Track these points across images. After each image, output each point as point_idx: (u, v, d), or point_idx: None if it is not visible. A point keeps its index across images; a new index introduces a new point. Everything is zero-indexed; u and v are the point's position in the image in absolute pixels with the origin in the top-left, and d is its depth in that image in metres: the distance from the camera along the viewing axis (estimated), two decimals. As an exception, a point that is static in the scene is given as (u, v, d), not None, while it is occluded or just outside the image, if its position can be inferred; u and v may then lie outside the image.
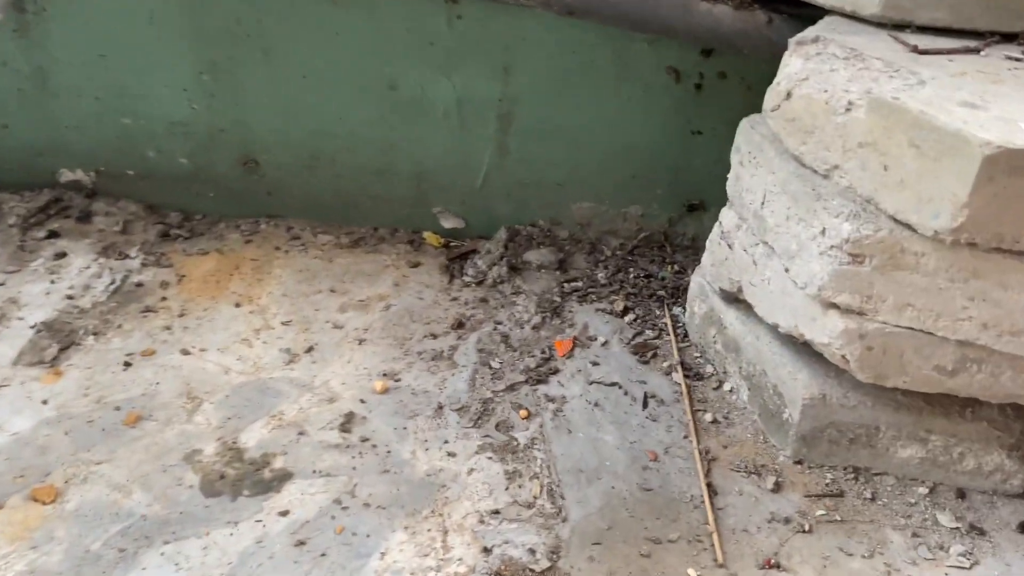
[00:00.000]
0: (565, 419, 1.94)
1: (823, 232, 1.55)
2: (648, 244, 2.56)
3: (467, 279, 2.42)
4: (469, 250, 2.53)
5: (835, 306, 1.58)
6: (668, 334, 2.22)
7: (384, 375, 2.04)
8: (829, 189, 1.57)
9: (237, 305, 2.26)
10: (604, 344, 2.19)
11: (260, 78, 2.33)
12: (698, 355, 2.15)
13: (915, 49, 1.60)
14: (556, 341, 2.19)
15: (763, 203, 1.77)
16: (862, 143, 1.49)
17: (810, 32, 1.68)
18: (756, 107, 2.22)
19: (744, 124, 1.89)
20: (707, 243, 2.05)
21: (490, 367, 2.09)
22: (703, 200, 2.46)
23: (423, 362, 2.10)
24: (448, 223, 2.58)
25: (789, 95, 1.64)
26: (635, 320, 2.27)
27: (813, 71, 1.61)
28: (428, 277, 2.44)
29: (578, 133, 2.37)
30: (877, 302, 1.53)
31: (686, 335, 2.22)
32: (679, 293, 2.36)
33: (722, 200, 2.43)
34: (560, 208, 2.54)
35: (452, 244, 2.59)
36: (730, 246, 1.92)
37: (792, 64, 1.66)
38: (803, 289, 1.62)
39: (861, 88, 1.50)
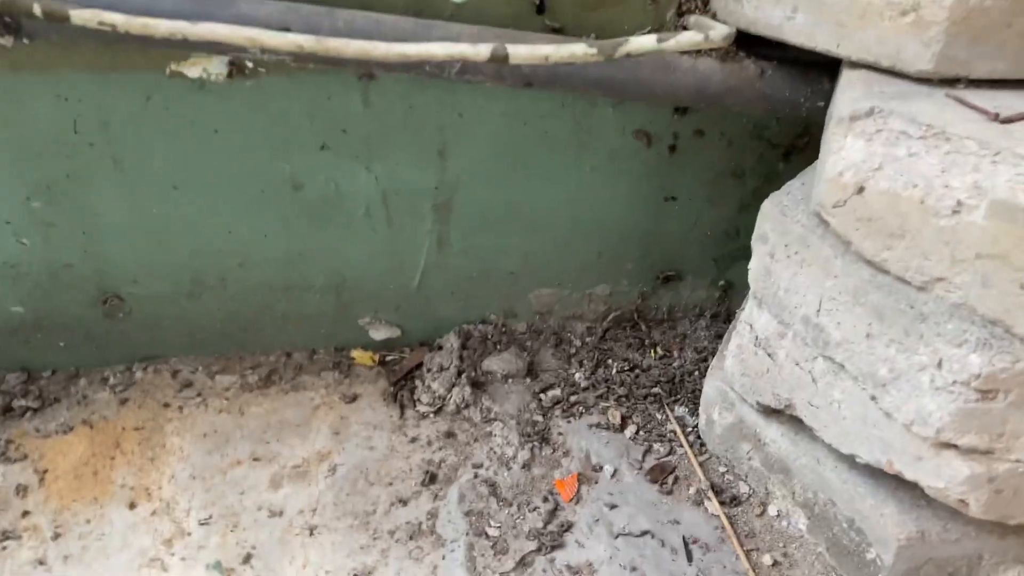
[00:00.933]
0: (604, 600, 1.54)
1: (939, 365, 1.23)
2: (619, 325, 2.19)
3: (422, 408, 1.95)
4: (413, 365, 2.06)
5: (953, 446, 1.27)
6: (681, 445, 1.87)
7: (360, 583, 1.56)
8: (934, 307, 1.25)
9: (131, 506, 1.69)
10: (614, 475, 1.80)
11: (113, 195, 1.74)
12: (724, 470, 1.82)
13: (996, 118, 1.30)
14: (557, 481, 1.78)
15: (819, 311, 1.43)
16: (982, 254, 1.17)
17: (862, 103, 1.35)
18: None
19: (770, 209, 1.54)
20: (732, 347, 1.70)
21: (487, 536, 1.66)
22: (678, 270, 2.12)
23: (400, 546, 1.63)
24: (379, 334, 2.10)
25: (861, 190, 1.30)
26: (638, 433, 1.90)
27: (886, 157, 1.28)
28: (373, 413, 1.95)
29: (533, 215, 1.95)
30: (1010, 440, 1.24)
31: (700, 443, 1.88)
32: (675, 386, 2.01)
33: (699, 267, 2.10)
34: (514, 299, 2.12)
35: (388, 359, 2.11)
36: (770, 355, 1.58)
37: (853, 148, 1.32)
38: (909, 427, 1.30)
39: (966, 182, 1.19)
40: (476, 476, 1.79)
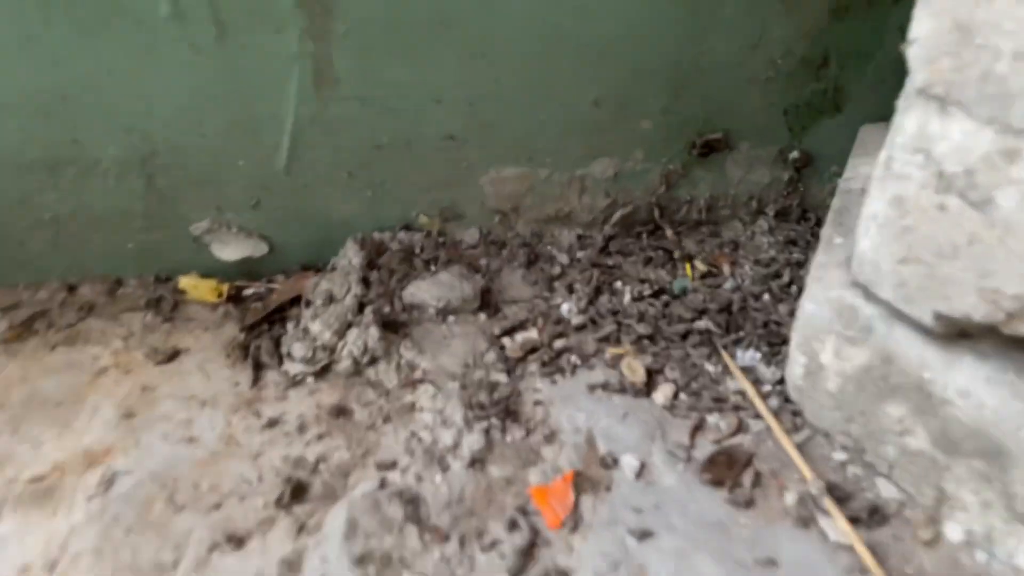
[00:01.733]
0: None
1: None
2: (630, 230, 1.35)
3: (293, 367, 1.10)
4: (285, 301, 1.21)
5: None
6: (756, 415, 1.04)
7: None
8: None
9: None
10: (640, 473, 0.96)
11: None
12: (844, 458, 0.98)
13: None
14: (533, 489, 0.94)
15: None
16: None
17: None
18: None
19: None
20: (873, 215, 0.87)
21: (397, 606, 0.81)
22: (726, 131, 1.28)
23: (218, 635, 0.78)
24: (230, 250, 1.25)
25: None
26: (677, 397, 1.07)
27: None
28: (202, 380, 1.10)
29: (481, 26, 1.11)
30: None
31: (792, 411, 1.04)
32: (734, 319, 1.18)
33: (760, 125, 1.27)
34: (458, 186, 1.27)
35: (247, 292, 1.25)
36: (980, 206, 0.75)
37: None
38: None
39: None
40: (383, 486, 0.95)
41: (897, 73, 1.30)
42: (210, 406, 1.06)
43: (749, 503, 0.93)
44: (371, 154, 1.21)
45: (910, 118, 0.81)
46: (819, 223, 1.36)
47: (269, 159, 1.18)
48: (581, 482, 0.95)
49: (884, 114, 1.33)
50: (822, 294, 0.94)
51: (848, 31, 1.20)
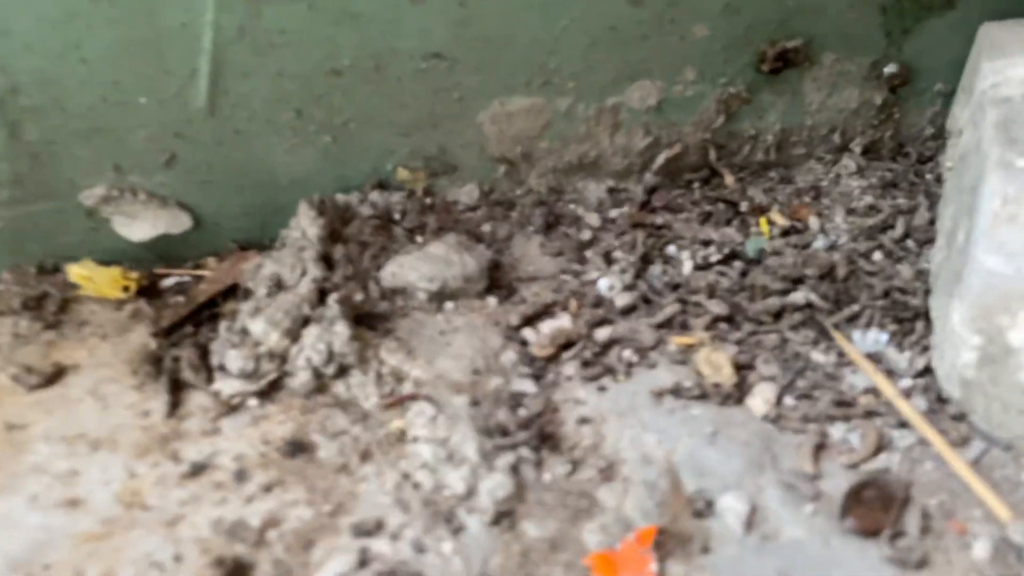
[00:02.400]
0: None
1: None
2: (676, 178, 1.02)
3: (228, 387, 0.76)
4: (216, 291, 0.87)
5: None
6: (905, 423, 0.72)
7: None
8: None
9: None
10: (750, 521, 0.64)
11: None
12: (1044, 481, 0.67)
13: None
14: (590, 558, 0.61)
15: None
16: None
17: None
18: None
19: None
20: None
21: None
22: (808, 36, 0.96)
23: None
24: (138, 227, 0.91)
25: None
26: (780, 402, 0.74)
27: None
28: (96, 411, 0.76)
29: None
30: None
31: (953, 413, 0.72)
32: (840, 288, 0.85)
33: (849, 28, 0.94)
34: (449, 127, 0.94)
35: (166, 282, 0.92)
36: None
37: None
38: None
39: None
40: (364, 563, 0.62)
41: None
42: (106, 448, 0.72)
43: (922, 563, 0.62)
44: (327, 82, 0.87)
45: None
46: (921, 160, 1.04)
47: (183, 93, 0.84)
48: (664, 541, 0.63)
49: (1008, 9, 1.02)
50: (1020, 241, 0.62)
51: None
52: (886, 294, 0.83)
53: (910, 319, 0.81)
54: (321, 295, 0.81)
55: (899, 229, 0.91)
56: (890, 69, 1.00)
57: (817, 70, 0.99)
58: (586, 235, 0.95)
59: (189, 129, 0.87)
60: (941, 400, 0.73)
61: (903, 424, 0.72)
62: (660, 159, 1.00)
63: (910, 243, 0.90)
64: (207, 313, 0.85)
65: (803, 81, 0.99)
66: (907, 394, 0.74)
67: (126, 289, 0.88)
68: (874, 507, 0.65)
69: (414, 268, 0.85)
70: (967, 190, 0.78)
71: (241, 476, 0.70)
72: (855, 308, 0.82)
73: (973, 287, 0.67)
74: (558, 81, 0.93)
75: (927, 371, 0.76)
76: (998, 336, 0.66)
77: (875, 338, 0.80)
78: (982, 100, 0.81)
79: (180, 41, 0.81)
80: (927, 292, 0.83)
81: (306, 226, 0.87)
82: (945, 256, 0.80)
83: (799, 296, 0.83)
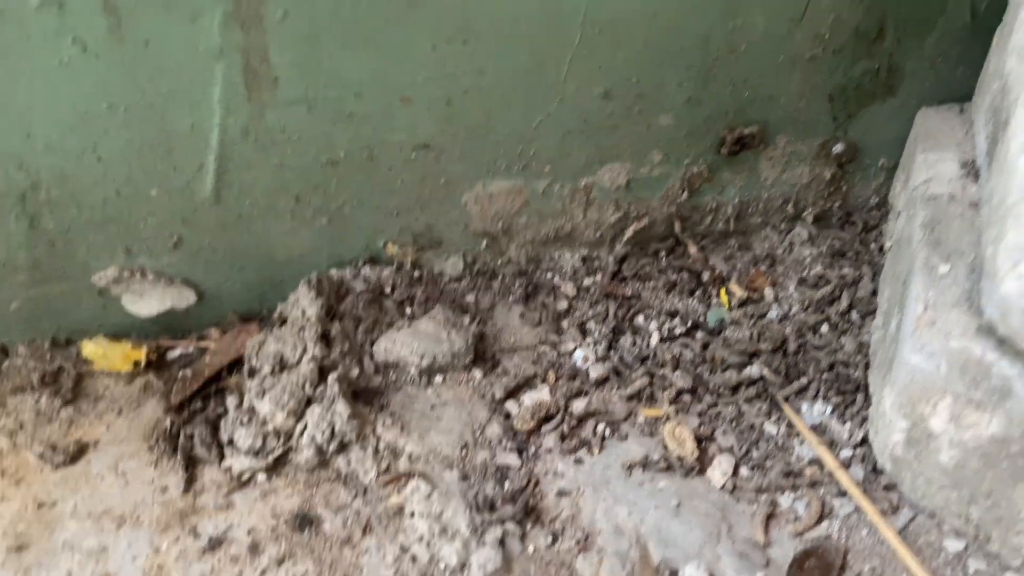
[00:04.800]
0: None
1: None
2: (645, 248, 1.11)
3: (238, 464, 0.84)
4: (222, 366, 0.94)
5: None
6: (843, 493, 0.82)
7: None
8: None
9: None
10: (711, 592, 0.74)
11: None
12: (957, 544, 0.77)
13: None
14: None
15: None
16: None
17: None
18: None
19: None
20: (1011, 244, 0.64)
21: None
22: (762, 123, 1.05)
23: None
24: (147, 303, 0.97)
25: None
26: (737, 471, 0.84)
27: None
28: (118, 487, 0.83)
29: (459, 12, 0.85)
30: None
31: (884, 484, 0.82)
32: (789, 361, 0.95)
33: (800, 115, 1.05)
34: (436, 206, 1.02)
35: (172, 354, 0.99)
36: None
37: None
38: None
39: None
40: (369, 633, 0.70)
41: (960, 45, 1.09)
42: (130, 524, 0.80)
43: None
44: (324, 172, 0.94)
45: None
46: (867, 228, 1.14)
47: (190, 185, 0.91)
48: (634, 609, 0.72)
49: (944, 96, 1.12)
50: (937, 344, 0.72)
51: (908, -3, 0.98)
52: (831, 367, 0.93)
53: (851, 391, 0.91)
54: (321, 372, 0.89)
55: (844, 301, 1.01)
56: (838, 148, 1.10)
57: (771, 150, 1.08)
58: (562, 304, 1.04)
59: (195, 216, 0.93)
60: (876, 471, 0.83)
61: (843, 493, 0.82)
62: (629, 231, 1.09)
63: (854, 315, 1.00)
64: (213, 387, 0.93)
65: (759, 160, 1.09)
66: (847, 464, 0.84)
67: (136, 363, 0.95)
68: (814, 574, 0.74)
69: (405, 344, 0.93)
70: (900, 279, 0.88)
71: (255, 549, 0.78)
72: (803, 381, 0.92)
73: (900, 379, 0.76)
74: (536, 165, 1.01)
75: (865, 441, 0.86)
76: (921, 422, 0.76)
77: (820, 409, 0.89)
78: (914, 195, 0.91)
79: (189, 141, 0.88)
80: (867, 365, 0.93)
81: (305, 306, 0.94)
82: (881, 337, 0.90)
83: (754, 370, 0.93)
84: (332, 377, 0.87)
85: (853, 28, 0.99)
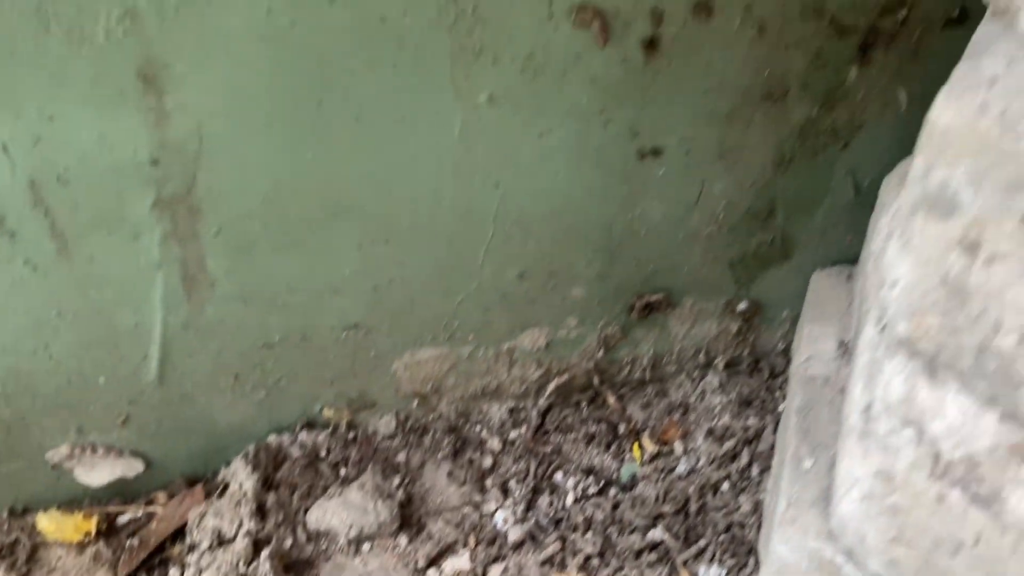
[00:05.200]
0: None
1: None
2: (568, 399, 1.20)
3: (177, 637, 0.91)
4: (169, 533, 1.02)
5: None
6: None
7: None
8: None
9: None
10: None
11: None
12: None
13: None
14: None
15: None
16: None
17: None
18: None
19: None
20: (866, 477, 0.73)
21: None
22: (668, 290, 1.15)
23: None
24: (97, 474, 1.05)
25: None
26: (635, 642, 0.92)
27: None
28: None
29: (379, 205, 0.95)
30: None
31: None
32: (692, 521, 1.03)
33: (704, 280, 1.15)
34: (367, 374, 1.10)
35: (121, 520, 1.06)
36: (986, 504, 0.62)
37: None
38: None
39: None
40: None
41: (847, 216, 1.19)
42: None
43: None
44: (261, 353, 1.03)
45: (895, 376, 0.67)
46: (772, 375, 1.23)
47: (136, 373, 0.99)
48: None
49: (836, 258, 1.22)
50: (798, 540, 0.81)
51: (793, 180, 1.08)
52: (728, 528, 1.02)
53: (744, 553, 0.99)
54: (256, 546, 0.97)
55: (745, 457, 1.10)
56: (742, 306, 1.20)
57: (679, 311, 1.18)
58: (487, 461, 1.12)
59: (142, 397, 1.02)
60: (761, 638, 0.91)
61: (729, 661, 0.90)
62: (551, 385, 1.18)
63: (754, 470, 1.09)
64: (158, 559, 1.00)
65: (669, 319, 1.18)
66: (736, 630, 0.92)
67: (86, 534, 1.02)
68: None
69: (336, 514, 1.01)
70: (782, 451, 0.96)
71: None
72: (701, 544, 1.00)
73: (772, 563, 0.85)
74: (460, 335, 1.10)
75: (753, 606, 0.94)
76: (792, 604, 0.84)
77: (716, 573, 0.98)
78: (796, 374, 1.00)
79: (133, 336, 0.96)
80: (759, 526, 1.01)
81: (243, 479, 1.02)
82: (768, 503, 0.98)
83: (657, 533, 1.01)
84: (264, 553, 0.95)
85: (745, 209, 1.09)
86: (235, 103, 0.83)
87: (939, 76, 0.62)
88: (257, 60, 0.81)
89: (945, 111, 0.60)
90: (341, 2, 0.80)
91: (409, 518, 1.04)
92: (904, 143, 0.78)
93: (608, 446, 1.14)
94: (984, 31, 0.69)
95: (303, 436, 1.09)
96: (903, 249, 0.65)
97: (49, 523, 1.02)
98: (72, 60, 0.77)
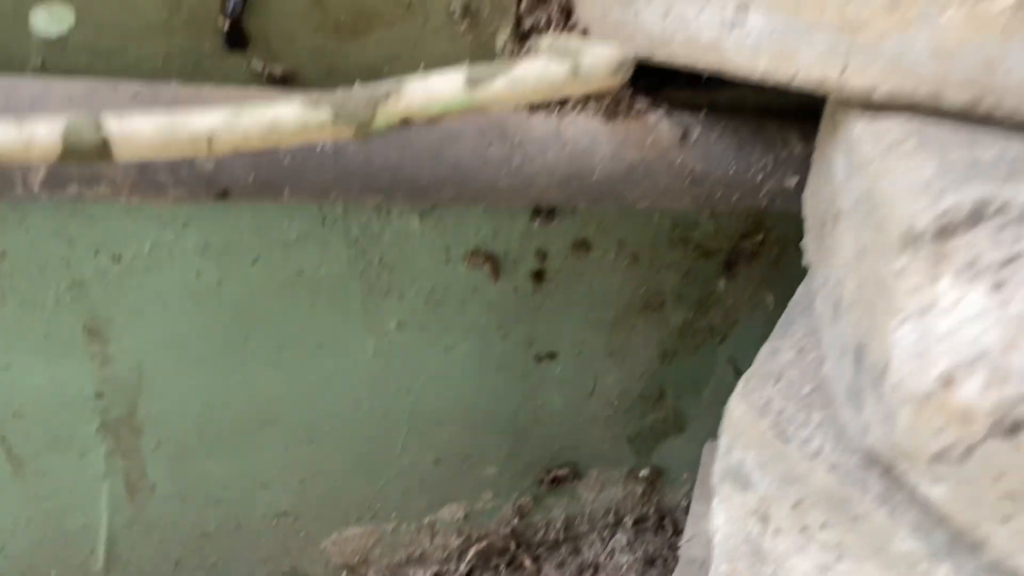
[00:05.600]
0: None
1: None
2: (488, 562, 1.31)
3: None
4: None
5: None
6: None
7: None
8: None
9: None
10: None
11: None
12: None
13: None
14: None
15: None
16: None
17: (954, 194, 0.54)
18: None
19: (744, 414, 0.73)
20: None
21: None
22: (573, 464, 1.27)
23: None
24: (50, 655, 1.14)
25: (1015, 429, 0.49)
26: None
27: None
28: None
29: (302, 414, 1.07)
30: None
31: None
32: None
33: (606, 453, 1.27)
34: (298, 553, 1.21)
35: None
36: None
37: (961, 310, 0.51)
38: None
39: None
40: None
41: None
42: None
43: None
44: (198, 541, 1.14)
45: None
46: (676, 531, 1.35)
47: (84, 565, 1.09)
48: None
49: (727, 428, 1.35)
50: None
51: (679, 369, 1.21)
52: None
53: None
54: None
55: (643, 622, 1.21)
56: (644, 472, 1.32)
57: (586, 481, 1.30)
58: (410, 627, 1.22)
59: (89, 585, 1.12)
60: None
61: None
62: (471, 551, 1.29)
63: (650, 634, 1.20)
64: None
65: (577, 487, 1.30)
66: None
67: None
68: None
69: None
70: (667, 629, 1.08)
71: None
72: None
73: None
74: (383, 514, 1.21)
75: None
76: None
77: None
78: (681, 554, 1.12)
79: (81, 535, 1.07)
80: None
81: (182, 658, 1.11)
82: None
83: None
84: None
85: (637, 394, 1.23)
86: (171, 346, 0.96)
87: (801, 280, 0.76)
88: (190, 312, 0.94)
89: (739, 405, 0.74)
90: (262, 262, 0.94)
91: None
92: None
93: (522, 609, 1.24)
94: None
95: (239, 611, 1.19)
96: (720, 505, 0.78)
97: None
98: (26, 321, 0.89)
